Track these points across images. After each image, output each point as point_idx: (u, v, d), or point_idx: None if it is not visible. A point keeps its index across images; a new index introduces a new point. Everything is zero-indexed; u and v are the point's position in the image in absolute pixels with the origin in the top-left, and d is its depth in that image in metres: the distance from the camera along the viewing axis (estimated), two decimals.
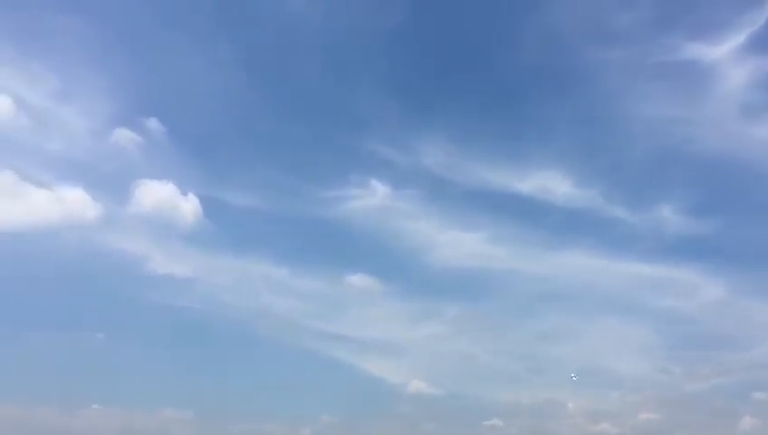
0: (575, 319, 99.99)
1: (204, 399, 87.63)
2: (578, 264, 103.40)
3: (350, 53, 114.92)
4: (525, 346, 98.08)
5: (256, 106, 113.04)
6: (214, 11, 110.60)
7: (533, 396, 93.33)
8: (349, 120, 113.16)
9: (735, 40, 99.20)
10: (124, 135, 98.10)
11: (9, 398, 77.74)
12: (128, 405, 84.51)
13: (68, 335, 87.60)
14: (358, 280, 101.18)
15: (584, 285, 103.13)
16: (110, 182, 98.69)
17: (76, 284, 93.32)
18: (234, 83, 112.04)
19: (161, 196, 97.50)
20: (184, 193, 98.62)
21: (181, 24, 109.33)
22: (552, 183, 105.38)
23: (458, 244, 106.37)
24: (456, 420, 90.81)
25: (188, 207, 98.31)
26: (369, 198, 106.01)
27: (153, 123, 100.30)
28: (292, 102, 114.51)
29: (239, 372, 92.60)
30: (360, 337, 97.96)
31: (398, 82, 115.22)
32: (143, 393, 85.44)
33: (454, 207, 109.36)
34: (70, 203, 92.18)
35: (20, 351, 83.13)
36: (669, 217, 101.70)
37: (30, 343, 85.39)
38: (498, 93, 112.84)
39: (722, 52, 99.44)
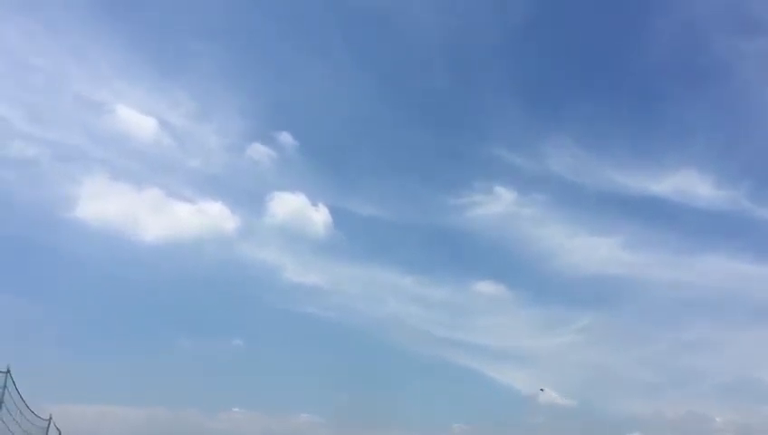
0: (720, 328, 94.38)
1: (337, 405, 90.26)
2: (721, 269, 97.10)
3: (472, 55, 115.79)
4: (665, 357, 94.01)
5: (380, 115, 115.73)
6: (335, 24, 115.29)
7: (676, 409, 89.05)
8: (472, 126, 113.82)
9: None
10: (258, 150, 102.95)
11: (157, 399, 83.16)
12: (266, 409, 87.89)
13: (209, 342, 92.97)
14: (485, 287, 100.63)
15: (729, 292, 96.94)
16: (247, 195, 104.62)
17: (216, 292, 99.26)
18: (358, 94, 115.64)
19: (293, 207, 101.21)
20: (314, 204, 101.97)
21: (305, 40, 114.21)
22: (690, 184, 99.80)
23: (590, 249, 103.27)
24: (592, 432, 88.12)
25: (319, 217, 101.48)
26: (495, 204, 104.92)
27: (285, 137, 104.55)
28: (414, 109, 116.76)
29: (370, 379, 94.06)
30: (489, 345, 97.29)
31: (522, 83, 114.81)
32: (279, 398, 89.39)
33: (583, 211, 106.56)
34: (210, 216, 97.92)
35: (166, 356, 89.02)
36: None
37: (175, 349, 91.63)
38: (628, 91, 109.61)
39: None
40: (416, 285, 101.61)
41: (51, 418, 57.50)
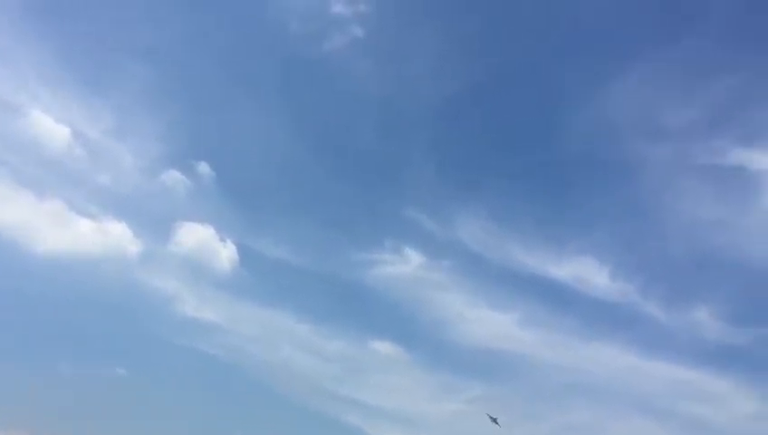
0: (601, 415, 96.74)
1: None
2: (608, 358, 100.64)
3: (401, 118, 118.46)
4: None
5: (303, 161, 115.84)
6: (272, 66, 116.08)
7: None
8: (391, 185, 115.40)
9: None
10: (173, 176, 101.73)
11: (23, 423, 78.13)
12: None
13: (91, 368, 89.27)
14: (382, 347, 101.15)
15: (613, 382, 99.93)
16: (154, 220, 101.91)
17: (107, 316, 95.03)
18: (285, 137, 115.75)
19: (201, 239, 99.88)
20: (223, 239, 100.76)
21: (240, 76, 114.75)
22: (588, 272, 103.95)
23: (488, 322, 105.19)
24: None
25: (225, 252, 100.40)
26: (402, 265, 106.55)
27: (203, 167, 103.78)
28: (338, 161, 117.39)
29: (250, 424, 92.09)
30: (378, 405, 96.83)
31: (444, 152, 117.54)
32: (154, 432, 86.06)
33: (486, 284, 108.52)
34: (112, 236, 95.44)
35: (43, 377, 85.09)
36: (706, 321, 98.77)
37: (54, 371, 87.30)
38: (543, 176, 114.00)
39: None
40: (313, 335, 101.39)
41: None
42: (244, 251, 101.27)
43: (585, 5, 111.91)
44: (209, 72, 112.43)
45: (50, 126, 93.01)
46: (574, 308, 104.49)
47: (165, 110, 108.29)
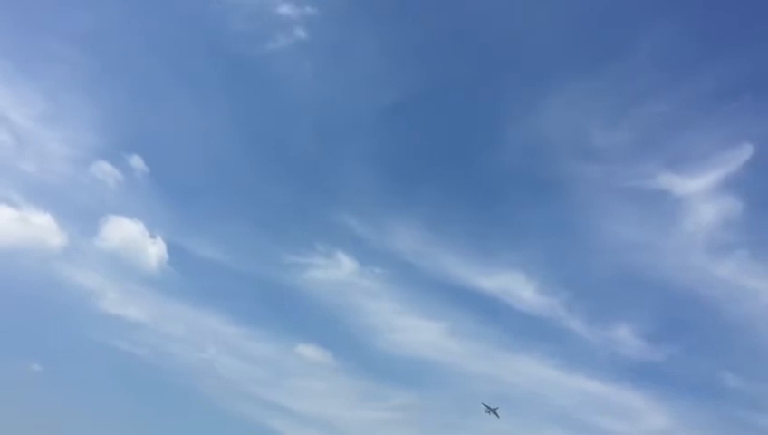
0: (519, 426, 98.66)
1: None
2: (530, 371, 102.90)
3: (342, 125, 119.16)
4: None
5: (240, 163, 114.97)
6: (217, 66, 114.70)
7: None
8: (327, 190, 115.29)
9: (711, 177, 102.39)
10: (103, 168, 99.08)
11: None
12: None
13: (2, 361, 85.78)
14: (309, 351, 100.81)
15: (533, 394, 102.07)
16: (80, 213, 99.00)
17: (23, 309, 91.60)
18: (223, 137, 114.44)
19: (129, 234, 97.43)
20: (152, 235, 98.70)
21: (182, 73, 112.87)
22: (515, 286, 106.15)
23: (417, 331, 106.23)
24: None
25: (154, 249, 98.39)
26: (334, 270, 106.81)
27: (136, 161, 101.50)
28: (275, 163, 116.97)
29: (171, 425, 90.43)
30: (300, 410, 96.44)
31: (382, 161, 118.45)
32: (67, 431, 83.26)
33: (417, 293, 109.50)
34: (35, 227, 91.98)
35: None
36: (626, 338, 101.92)
37: None
38: (476, 190, 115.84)
39: (695, 186, 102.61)
40: (240, 337, 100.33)
41: None
42: (173, 249, 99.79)
43: (525, 25, 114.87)
44: (148, 63, 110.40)
45: None
46: (501, 320, 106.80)
47: (99, 99, 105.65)
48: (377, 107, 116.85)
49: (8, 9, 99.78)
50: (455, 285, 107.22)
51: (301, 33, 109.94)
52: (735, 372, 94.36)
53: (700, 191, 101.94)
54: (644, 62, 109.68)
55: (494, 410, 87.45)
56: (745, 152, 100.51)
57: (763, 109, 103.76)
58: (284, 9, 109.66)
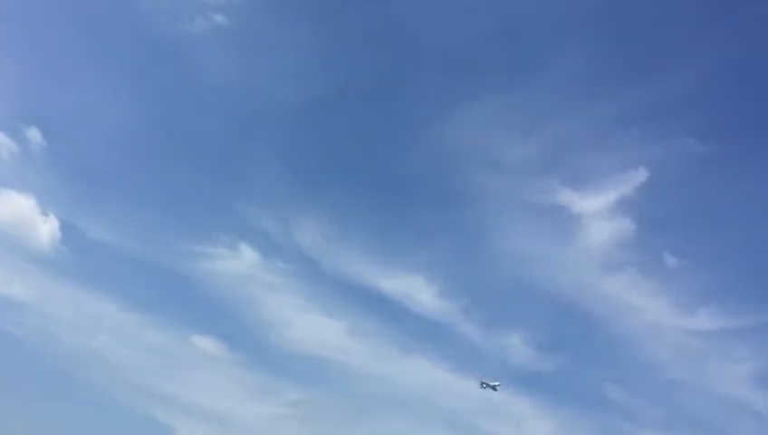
0: (410, 426, 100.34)
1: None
2: (424, 373, 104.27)
3: (255, 117, 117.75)
4: None
5: (146, 145, 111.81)
6: (131, 44, 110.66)
7: None
8: (235, 181, 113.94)
9: (607, 197, 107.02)
10: None
11: None
12: None
13: None
14: (204, 342, 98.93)
15: (425, 396, 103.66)
16: None
17: None
18: (130, 117, 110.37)
19: (18, 209, 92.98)
20: (45, 213, 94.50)
21: (92, 46, 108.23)
22: (415, 288, 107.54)
23: (316, 328, 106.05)
24: None
25: (46, 227, 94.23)
26: (236, 262, 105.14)
27: (33, 133, 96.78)
28: (182, 148, 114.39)
29: (51, 413, 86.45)
30: (192, 402, 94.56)
31: (294, 156, 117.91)
32: None
33: (319, 290, 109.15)
34: None
35: None
36: (517, 346, 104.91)
37: None
38: (384, 192, 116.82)
39: (592, 205, 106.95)
40: (132, 324, 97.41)
41: None
42: (67, 228, 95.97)
43: (448, 34, 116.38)
44: (55, 33, 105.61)
45: None
46: (400, 322, 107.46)
47: None
48: (292, 101, 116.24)
49: None
50: (357, 284, 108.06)
51: (220, 18, 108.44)
52: (617, 385, 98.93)
53: (596, 210, 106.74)
54: (554, 83, 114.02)
55: (492, 387, 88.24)
56: (641, 176, 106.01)
57: (660, 136, 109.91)
58: None
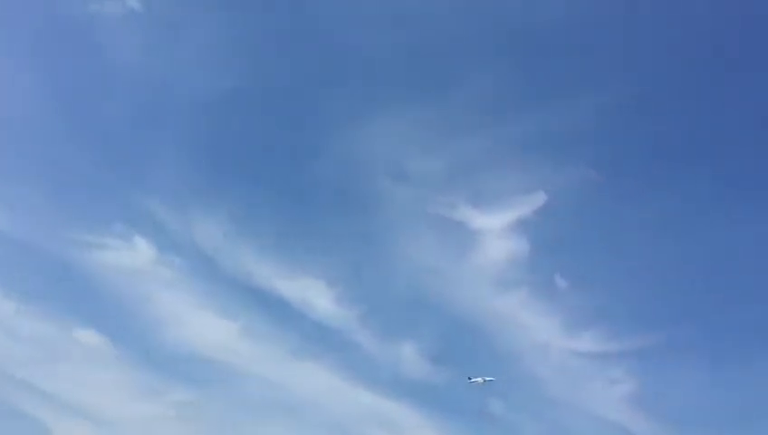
0: (296, 432, 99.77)
1: None
2: (316, 379, 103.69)
3: (162, 107, 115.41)
4: None
5: (41, 125, 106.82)
6: (32, 17, 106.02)
7: None
8: (135, 170, 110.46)
9: (506, 217, 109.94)
10: None
11: None
12: None
13: None
14: (88, 336, 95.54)
15: (316, 403, 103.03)
16: None
17: None
18: (26, 94, 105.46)
19: None
20: None
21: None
22: (314, 293, 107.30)
23: (208, 327, 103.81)
24: None
25: None
26: (130, 254, 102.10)
27: None
28: (82, 132, 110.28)
29: None
30: (71, 400, 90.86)
31: (199, 151, 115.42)
32: None
33: (214, 289, 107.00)
34: None
35: None
36: (410, 357, 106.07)
37: None
38: (289, 194, 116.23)
39: (491, 223, 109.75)
40: (12, 312, 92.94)
41: None
42: None
43: (368, 43, 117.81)
44: None
45: None
46: (296, 326, 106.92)
47: None
48: (202, 94, 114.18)
49: None
50: (254, 285, 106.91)
51: (134, 3, 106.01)
52: (503, 400, 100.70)
53: (494, 228, 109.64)
54: (465, 102, 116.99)
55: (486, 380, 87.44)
56: (539, 199, 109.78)
57: (559, 162, 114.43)
58: None
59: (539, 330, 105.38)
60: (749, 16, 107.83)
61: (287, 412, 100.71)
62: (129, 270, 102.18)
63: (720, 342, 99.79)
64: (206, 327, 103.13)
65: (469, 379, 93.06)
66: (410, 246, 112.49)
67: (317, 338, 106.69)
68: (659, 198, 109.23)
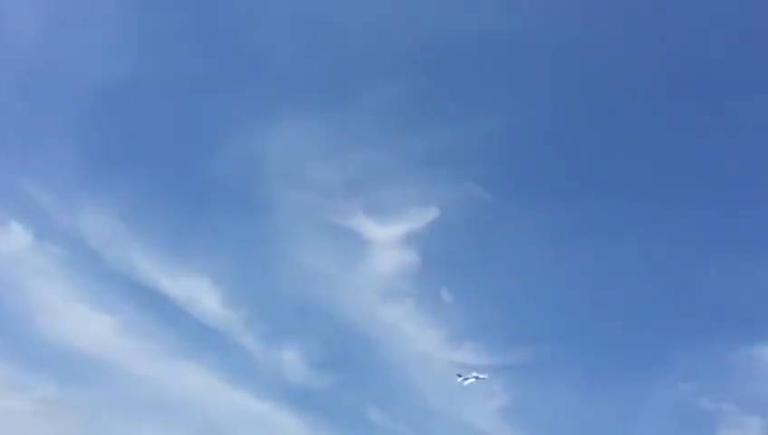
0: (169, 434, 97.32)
1: None
2: (196, 380, 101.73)
3: (56, 89, 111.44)
4: None
5: None
6: None
7: None
8: (18, 152, 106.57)
9: (399, 228, 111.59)
10: None
11: None
12: None
13: None
14: None
15: (193, 404, 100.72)
16: None
17: None
18: None
19: None
20: None
21: None
22: (200, 293, 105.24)
23: (84, 321, 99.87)
24: None
25: None
26: (3, 239, 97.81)
27: None
28: None
29: None
30: None
31: (92, 138, 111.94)
32: None
33: (94, 281, 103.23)
34: None
35: None
36: (293, 362, 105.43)
37: None
38: (183, 190, 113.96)
39: (383, 234, 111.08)
40: None
41: None
42: None
43: (277, 44, 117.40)
44: None
45: None
46: (179, 324, 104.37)
47: None
48: (99, 81, 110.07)
49: None
50: (137, 280, 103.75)
51: None
52: (382, 408, 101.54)
53: (386, 239, 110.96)
54: (368, 112, 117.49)
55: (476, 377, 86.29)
56: (431, 214, 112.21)
57: (454, 179, 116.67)
58: None
59: (422, 341, 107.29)
60: (644, 49, 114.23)
61: (163, 412, 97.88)
62: (3, 256, 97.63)
63: (591, 359, 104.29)
64: (81, 321, 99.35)
65: (459, 376, 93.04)
66: (302, 252, 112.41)
67: (199, 338, 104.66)
68: (544, 220, 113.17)
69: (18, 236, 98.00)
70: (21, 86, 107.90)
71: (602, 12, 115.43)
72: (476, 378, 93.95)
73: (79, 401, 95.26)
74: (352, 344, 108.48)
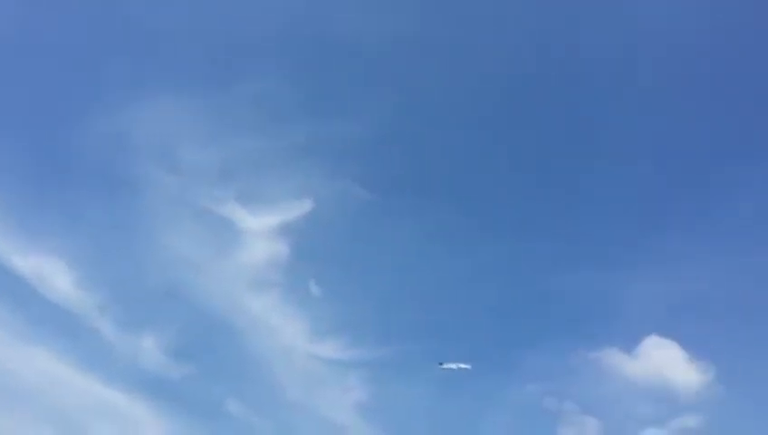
0: (13, 424, 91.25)
1: None
2: (44, 365, 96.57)
3: None
4: None
5: None
6: None
7: None
8: None
9: (273, 219, 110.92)
10: None
11: None
12: None
13: None
14: None
15: (41, 391, 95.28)
16: None
17: None
18: None
19: None
20: None
21: None
22: (52, 272, 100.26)
23: None
24: None
25: None
26: None
27: None
28: None
29: None
30: None
31: None
32: None
33: None
34: None
35: None
36: (150, 350, 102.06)
37: None
38: (42, 166, 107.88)
39: (257, 224, 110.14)
40: None
41: None
42: None
43: (155, 28, 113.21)
44: None
45: None
46: (27, 306, 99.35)
47: None
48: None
49: None
50: None
51: None
52: (241, 400, 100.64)
53: (259, 229, 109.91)
54: (249, 99, 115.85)
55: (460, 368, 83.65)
56: (306, 207, 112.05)
57: (331, 173, 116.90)
58: None
59: (286, 333, 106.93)
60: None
61: (6, 400, 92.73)
62: None
63: (446, 359, 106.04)
64: None
65: (440, 364, 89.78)
66: (169, 237, 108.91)
67: (50, 321, 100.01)
68: (418, 222, 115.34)
69: None
70: None
71: (492, 13, 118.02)
72: (458, 368, 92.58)
73: None
74: (215, 333, 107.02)
